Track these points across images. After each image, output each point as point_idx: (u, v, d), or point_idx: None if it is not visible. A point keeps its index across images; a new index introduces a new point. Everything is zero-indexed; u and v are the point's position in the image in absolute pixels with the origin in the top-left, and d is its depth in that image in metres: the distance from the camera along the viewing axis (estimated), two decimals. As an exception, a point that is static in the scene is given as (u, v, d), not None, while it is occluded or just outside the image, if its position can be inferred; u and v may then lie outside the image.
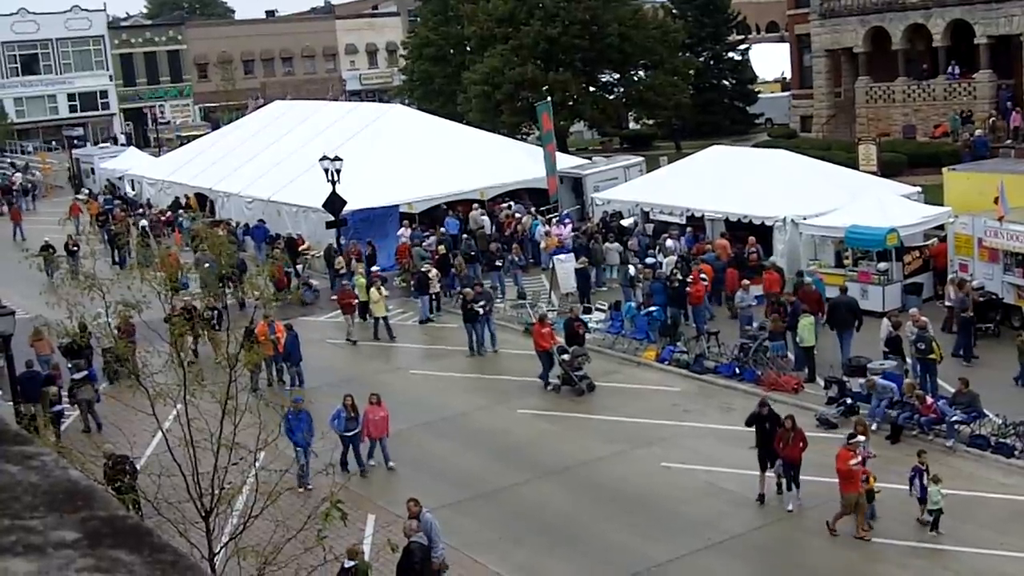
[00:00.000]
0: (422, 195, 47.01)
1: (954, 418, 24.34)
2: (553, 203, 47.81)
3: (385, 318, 36.22)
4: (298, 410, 23.62)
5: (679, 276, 34.51)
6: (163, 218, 55.48)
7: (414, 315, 38.37)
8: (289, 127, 58.41)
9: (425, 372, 32.93)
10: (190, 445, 15.30)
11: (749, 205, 38.64)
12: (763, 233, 37.83)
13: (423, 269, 39.15)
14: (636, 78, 68.23)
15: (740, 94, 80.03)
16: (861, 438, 21.25)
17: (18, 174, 79.18)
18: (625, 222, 42.47)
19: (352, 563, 17.81)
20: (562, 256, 39.00)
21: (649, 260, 38.00)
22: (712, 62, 78.94)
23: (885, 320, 29.06)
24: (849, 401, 26.25)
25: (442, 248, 41.37)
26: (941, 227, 35.82)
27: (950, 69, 59.20)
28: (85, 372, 29.93)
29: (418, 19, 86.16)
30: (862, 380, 26.63)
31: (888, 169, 49.53)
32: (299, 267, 42.97)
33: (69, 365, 30.42)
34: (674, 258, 37.17)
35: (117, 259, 47.91)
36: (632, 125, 79.74)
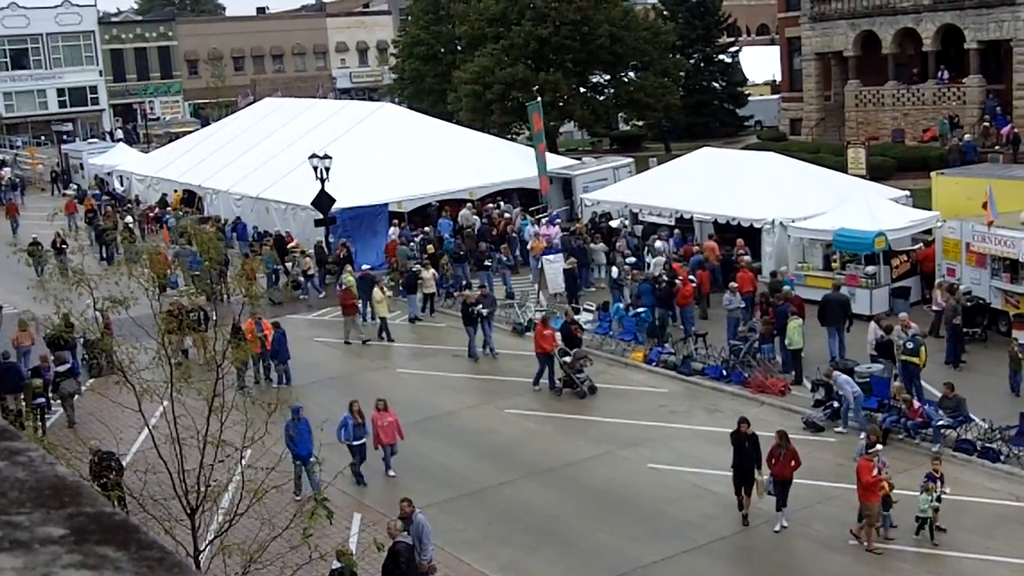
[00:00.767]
0: (411, 194, 46.98)
1: (940, 422, 24.40)
2: (543, 204, 47.85)
3: (386, 319, 35.92)
4: (298, 419, 23.13)
5: (666, 277, 34.55)
6: (151, 214, 55.42)
7: (402, 314, 38.33)
8: (279, 124, 58.32)
9: (413, 371, 32.91)
10: (176, 442, 15.27)
11: (738, 207, 38.71)
12: (751, 235, 37.89)
13: (412, 268, 39.11)
14: (626, 79, 68.28)
15: (730, 96, 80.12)
16: (880, 447, 21.17)
17: (6, 169, 78.90)
18: (614, 223, 42.50)
19: (339, 564, 17.80)
20: (551, 256, 39.00)
21: (631, 260, 38.04)
22: (702, 64, 79.05)
23: (873, 323, 29.12)
24: (836, 404, 26.28)
25: (431, 247, 41.35)
26: (929, 231, 35.92)
27: (939, 74, 59.34)
28: (68, 365, 29.93)
29: (409, 18, 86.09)
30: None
31: (877, 173, 49.69)
32: (288, 265, 42.90)
33: (51, 357, 30.22)
34: (662, 259, 37.21)
35: (105, 255, 47.87)
36: (622, 126, 79.74)
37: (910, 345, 26.96)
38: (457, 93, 66.86)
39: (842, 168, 47.56)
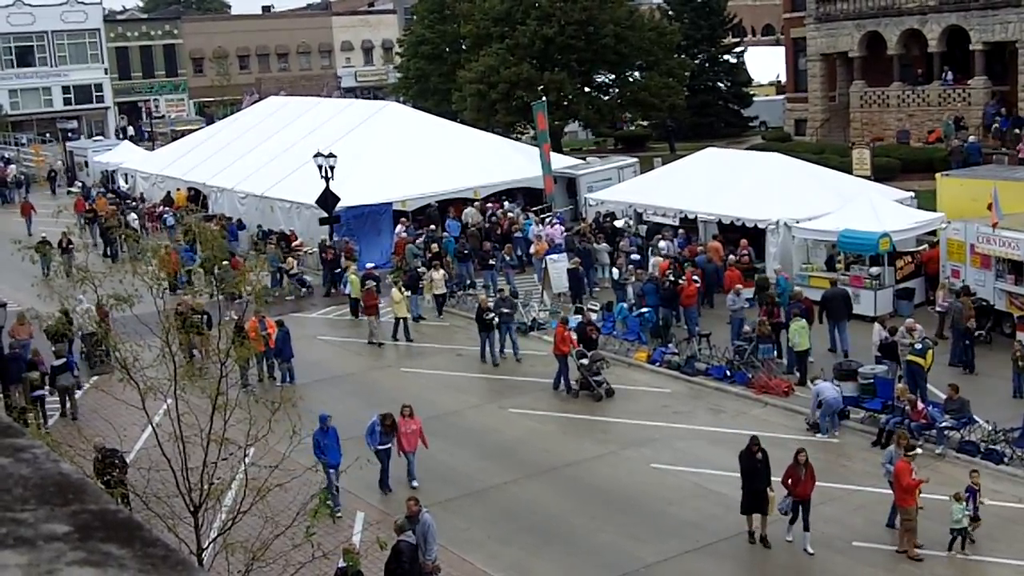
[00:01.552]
0: (415, 193, 46.98)
1: (944, 424, 24.38)
2: (547, 204, 47.83)
3: (406, 319, 35.70)
4: (326, 428, 23.00)
5: (671, 277, 34.57)
6: (154, 212, 55.42)
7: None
8: (283, 123, 58.32)
9: (417, 370, 32.90)
10: (180, 440, 15.29)
11: (742, 208, 38.68)
12: (756, 236, 37.87)
13: (416, 267, 39.12)
14: (631, 79, 68.24)
15: (735, 97, 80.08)
16: (919, 451, 20.99)
17: (11, 166, 78.94)
18: (618, 223, 42.48)
19: (344, 564, 17.82)
20: (554, 256, 38.97)
21: (635, 257, 38.01)
22: (707, 64, 79.02)
23: (877, 325, 29.11)
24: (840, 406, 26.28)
25: (435, 247, 41.35)
26: (934, 232, 35.90)
27: (944, 75, 59.27)
28: (64, 359, 30.31)
29: (414, 17, 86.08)
30: (853, 384, 26.73)
31: (881, 174, 49.62)
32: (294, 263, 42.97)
33: (53, 349, 30.71)
34: (659, 259, 37.22)
35: (109, 253, 47.92)
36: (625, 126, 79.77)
37: (918, 346, 26.95)
38: (462, 92, 66.84)
39: (847, 169, 47.51)
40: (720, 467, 24.23)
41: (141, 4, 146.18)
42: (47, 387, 29.94)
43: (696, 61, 76.55)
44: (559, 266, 38.07)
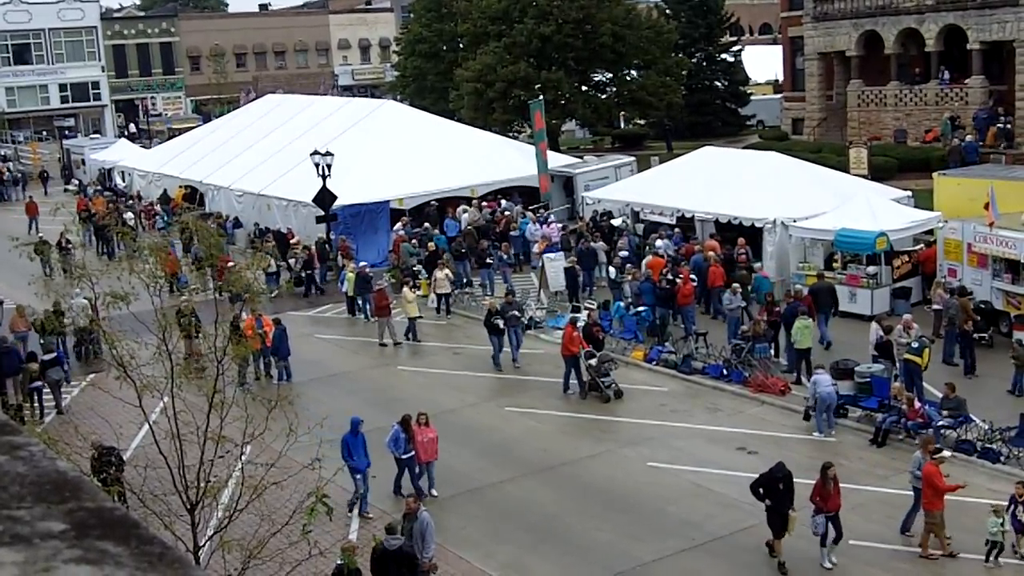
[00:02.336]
0: (412, 191, 46.98)
1: (941, 423, 24.40)
2: (544, 202, 47.83)
3: (416, 319, 35.36)
4: (357, 432, 22.77)
5: (668, 276, 34.58)
6: (151, 210, 55.35)
7: (400, 311, 38.28)
8: (280, 121, 58.30)
9: (414, 368, 32.90)
10: (176, 438, 15.28)
11: (739, 207, 38.68)
12: (753, 235, 37.87)
13: (412, 266, 39.10)
14: (629, 78, 68.24)
15: (732, 95, 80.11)
16: (947, 453, 20.81)
17: (8, 164, 78.89)
18: (616, 221, 42.48)
19: (341, 562, 17.82)
20: (551, 255, 38.98)
21: (623, 253, 37.99)
22: (705, 63, 79.05)
23: (874, 324, 29.13)
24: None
25: (432, 245, 41.33)
26: (931, 231, 35.92)
27: (941, 74, 59.29)
28: (55, 353, 30.95)
29: (411, 15, 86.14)
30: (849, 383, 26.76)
31: (879, 173, 49.66)
32: (291, 261, 42.92)
33: (41, 342, 31.51)
34: (648, 258, 37.21)
35: (105, 251, 47.91)
36: (623, 124, 79.78)
37: (915, 345, 26.98)
38: (459, 91, 66.85)
39: (844, 168, 47.54)
40: (717, 466, 24.27)
41: (138, 2, 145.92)
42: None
43: (693, 60, 76.56)
44: (556, 265, 38.09)
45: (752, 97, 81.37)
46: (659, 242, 39.16)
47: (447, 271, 38.05)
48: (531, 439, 26.74)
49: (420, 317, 35.78)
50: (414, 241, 42.72)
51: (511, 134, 64.90)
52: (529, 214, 45.74)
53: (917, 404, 24.94)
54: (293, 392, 27.01)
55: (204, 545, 15.82)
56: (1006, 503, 20.20)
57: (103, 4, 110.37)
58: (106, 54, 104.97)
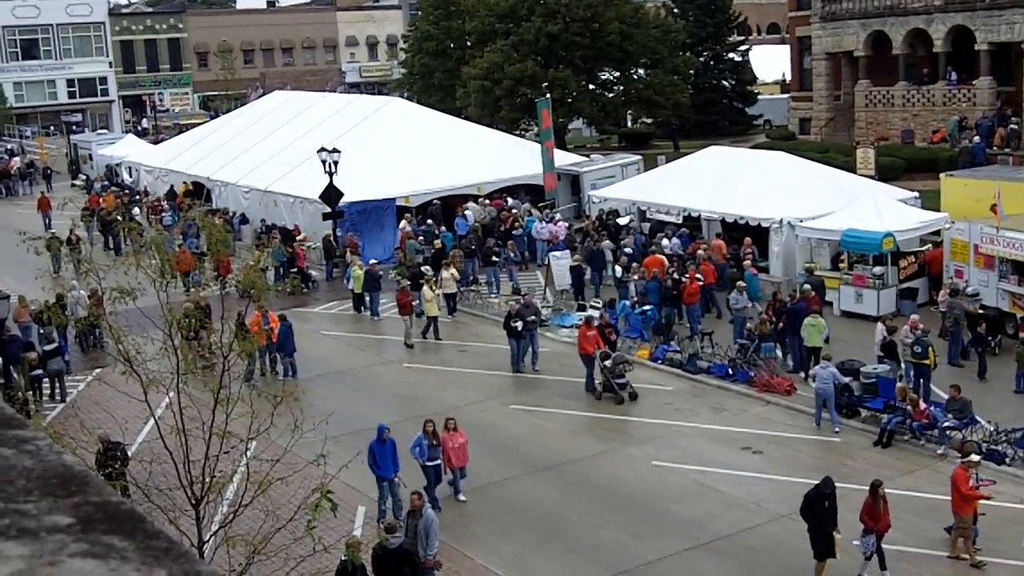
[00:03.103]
0: (419, 189, 47.00)
1: (946, 424, 24.37)
2: (550, 200, 47.81)
3: (436, 318, 34.99)
4: (384, 440, 22.15)
5: (674, 275, 34.59)
6: (158, 206, 55.38)
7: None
8: (287, 118, 58.36)
9: (419, 365, 32.91)
10: (182, 433, 15.30)
11: (746, 206, 38.65)
12: (759, 235, 37.85)
13: (419, 263, 39.08)
14: (636, 77, 68.17)
15: (739, 95, 79.99)
16: (976, 458, 20.65)
17: (16, 158, 78.99)
18: (622, 220, 42.46)
19: (345, 558, 17.83)
20: (557, 253, 38.96)
21: (627, 251, 37.94)
22: (712, 62, 78.91)
23: (879, 324, 29.12)
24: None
25: (438, 243, 41.33)
26: (937, 232, 35.88)
27: (948, 75, 59.19)
28: (55, 344, 31.54)
29: (419, 13, 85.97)
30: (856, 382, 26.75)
31: (886, 173, 49.57)
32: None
33: (40, 332, 32.21)
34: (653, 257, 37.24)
35: (111, 246, 47.99)
36: (629, 124, 79.72)
37: (918, 349, 26.97)
38: (466, 89, 66.77)
39: (851, 168, 47.45)
40: (722, 465, 24.27)
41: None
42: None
43: (701, 59, 76.47)
44: (562, 263, 38.07)
45: (759, 97, 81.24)
46: (665, 241, 39.14)
47: (453, 270, 37.90)
48: (536, 437, 26.74)
49: (439, 316, 35.38)
50: (420, 238, 42.75)
51: (518, 132, 64.84)
52: (535, 212, 45.73)
53: (923, 405, 24.91)
54: (298, 388, 27.07)
55: (208, 540, 15.84)
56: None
57: (111, 0, 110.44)
58: (114, 50, 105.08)
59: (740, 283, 33.33)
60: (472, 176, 48.38)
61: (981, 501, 20.39)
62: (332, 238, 43.21)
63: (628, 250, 38.20)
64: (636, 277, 35.77)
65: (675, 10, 78.70)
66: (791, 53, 74.20)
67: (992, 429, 24.33)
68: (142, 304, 16.23)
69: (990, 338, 30.01)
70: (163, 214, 52.62)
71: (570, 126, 72.38)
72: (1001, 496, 22.15)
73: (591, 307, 35.67)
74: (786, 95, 78.14)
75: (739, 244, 37.55)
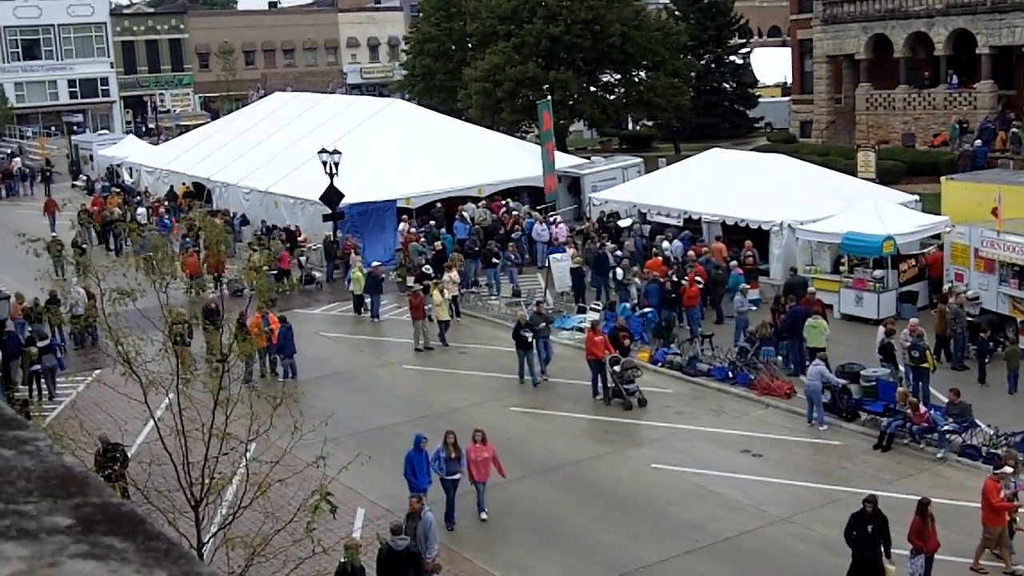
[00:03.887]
0: (420, 190, 47.00)
1: (946, 428, 24.36)
2: (550, 202, 47.82)
3: (447, 323, 34.54)
4: (421, 450, 21.67)
5: (673, 278, 34.60)
6: (159, 207, 55.36)
7: (408, 310, 38.28)
8: (289, 119, 58.38)
9: (418, 367, 32.91)
10: (181, 434, 15.30)
11: (746, 209, 38.66)
12: (760, 238, 37.85)
13: (421, 265, 39.07)
14: (637, 79, 68.19)
15: (740, 98, 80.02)
16: (1008, 470, 20.47)
17: (16, 159, 78.98)
18: (624, 222, 42.46)
19: (345, 559, 17.84)
20: (557, 255, 38.95)
21: (618, 253, 37.90)
22: (713, 65, 78.92)
23: (881, 328, 29.12)
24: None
25: (439, 244, 41.31)
26: (938, 236, 35.87)
27: (948, 79, 59.19)
28: (47, 341, 31.72)
29: (420, 14, 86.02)
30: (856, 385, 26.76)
31: (886, 176, 49.56)
32: (302, 259, 43.10)
33: (29, 330, 32.66)
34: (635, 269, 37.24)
35: (112, 247, 47.98)
36: (630, 126, 79.72)
37: (916, 353, 26.97)
38: (467, 90, 66.80)
39: (852, 171, 47.47)
40: (721, 468, 24.27)
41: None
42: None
43: (702, 62, 76.46)
44: (562, 264, 38.06)
45: (760, 99, 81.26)
46: (666, 244, 39.13)
47: (455, 273, 37.67)
48: (535, 439, 26.73)
49: (450, 320, 34.95)
50: (422, 240, 42.76)
51: (519, 134, 64.88)
52: (535, 214, 45.73)
53: (922, 409, 24.90)
54: (298, 390, 27.06)
55: (208, 542, 15.84)
56: None
57: (112, 0, 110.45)
58: (115, 50, 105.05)
59: (744, 286, 33.36)
60: (473, 178, 48.38)
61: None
62: (333, 239, 43.22)
63: (621, 252, 38.16)
64: (636, 279, 35.75)
65: (676, 12, 78.70)
66: (792, 56, 74.22)
67: (992, 432, 24.31)
68: (142, 305, 16.24)
69: (991, 343, 30.01)
70: (163, 220, 52.47)
71: (571, 128, 72.42)
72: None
73: (591, 310, 35.67)
74: (787, 98, 78.15)
75: (740, 247, 37.55)
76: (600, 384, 29.08)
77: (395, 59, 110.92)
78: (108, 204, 56.12)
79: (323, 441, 16.74)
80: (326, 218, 43.33)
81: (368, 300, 37.80)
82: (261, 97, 79.37)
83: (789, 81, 78.95)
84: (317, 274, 42.54)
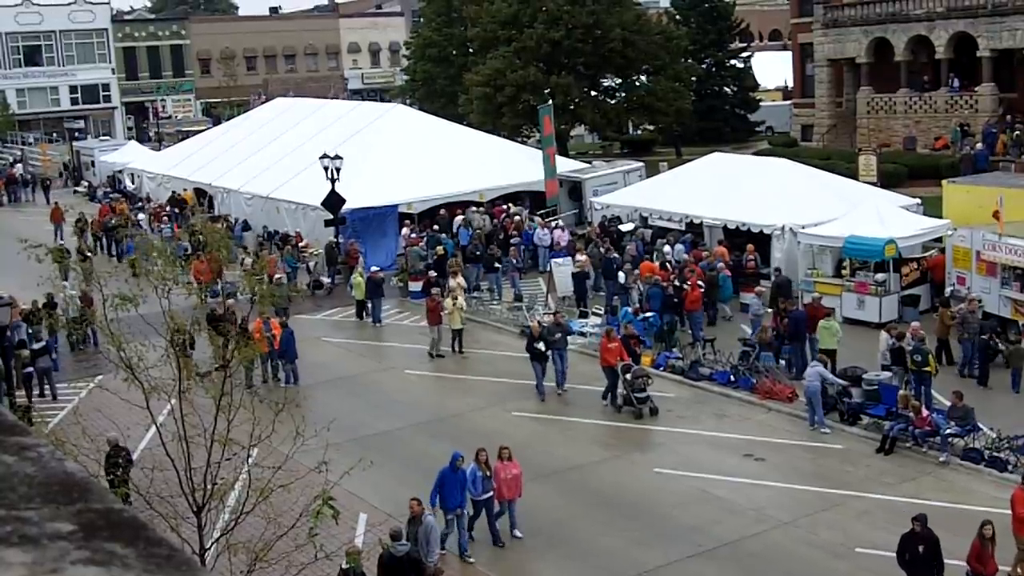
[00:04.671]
0: (421, 195, 47.01)
1: (948, 431, 24.35)
2: (551, 207, 47.82)
3: (461, 330, 34.14)
4: (456, 468, 21.05)
5: (675, 282, 34.59)
6: (160, 213, 55.38)
7: (410, 315, 38.35)
8: (290, 124, 58.39)
9: (420, 372, 32.91)
10: (183, 440, 15.30)
11: (748, 213, 38.66)
12: (761, 241, 37.84)
13: (422, 269, 39.09)
14: (638, 83, 68.23)
15: (742, 101, 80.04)
16: None
17: (18, 165, 79.04)
18: (626, 226, 42.45)
19: (347, 565, 17.83)
20: (559, 260, 38.94)
21: (615, 255, 37.91)
22: (714, 69, 78.97)
23: (883, 332, 29.10)
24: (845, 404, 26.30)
25: (441, 249, 41.32)
26: (940, 239, 35.86)
27: (949, 82, 59.20)
28: (44, 343, 32.01)
29: (421, 19, 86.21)
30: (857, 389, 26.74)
31: (888, 180, 49.56)
32: (310, 264, 43.14)
33: (28, 331, 32.66)
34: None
35: (115, 252, 48.00)
36: (631, 130, 79.75)
37: (918, 357, 26.96)
38: (468, 95, 66.87)
39: (853, 175, 47.47)
40: (724, 472, 24.25)
41: (149, 4, 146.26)
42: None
43: (703, 66, 76.53)
44: (564, 269, 38.06)
45: (761, 103, 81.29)
46: (668, 248, 39.12)
47: (460, 278, 37.32)
48: (538, 444, 26.70)
49: (463, 328, 34.44)
50: (423, 243, 42.78)
51: (520, 139, 64.91)
52: (537, 219, 45.74)
53: (925, 412, 24.88)
54: (300, 395, 27.15)
55: (210, 547, 15.84)
56: None
57: (114, 6, 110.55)
58: (116, 56, 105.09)
59: (759, 288, 33.40)
60: (474, 183, 48.38)
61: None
62: (335, 245, 43.23)
63: (622, 256, 38.15)
64: (638, 283, 35.74)
65: (677, 17, 78.78)
66: (793, 60, 74.28)
67: (995, 436, 24.30)
68: (144, 311, 16.24)
69: (1000, 347, 30.04)
70: (164, 228, 52.44)
71: (572, 133, 72.45)
72: (1003, 503, 22.06)
73: (593, 314, 35.66)
74: (788, 102, 78.24)
75: (741, 251, 37.54)
76: (612, 391, 28.76)
77: (396, 64, 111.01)
78: (115, 210, 55.89)
79: (325, 446, 16.74)
80: (328, 223, 43.35)
81: (370, 305, 37.82)
82: (262, 103, 79.42)
83: (790, 85, 79.04)
84: (325, 279, 42.57)
